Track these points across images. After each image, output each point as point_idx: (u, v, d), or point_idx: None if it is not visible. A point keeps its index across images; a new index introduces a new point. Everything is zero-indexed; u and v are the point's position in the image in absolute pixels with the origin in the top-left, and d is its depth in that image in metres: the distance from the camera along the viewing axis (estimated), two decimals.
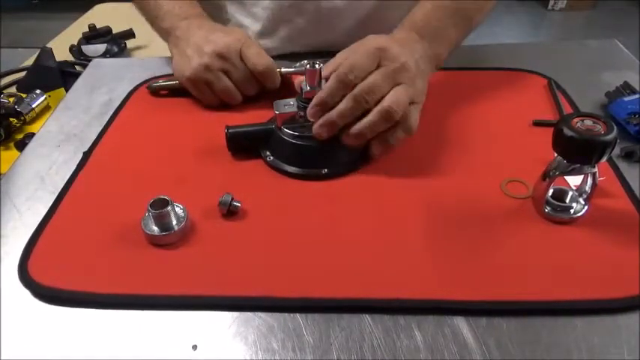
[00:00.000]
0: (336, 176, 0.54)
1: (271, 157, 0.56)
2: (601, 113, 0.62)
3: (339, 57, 0.55)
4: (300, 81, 0.56)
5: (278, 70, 0.65)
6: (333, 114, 0.52)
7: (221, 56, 0.63)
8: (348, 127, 0.52)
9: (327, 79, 0.53)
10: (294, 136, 0.54)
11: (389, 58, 0.53)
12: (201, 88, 0.65)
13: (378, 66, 0.53)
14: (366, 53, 0.53)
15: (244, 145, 0.57)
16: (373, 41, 0.54)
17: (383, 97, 0.52)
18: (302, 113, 0.54)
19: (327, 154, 0.54)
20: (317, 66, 0.52)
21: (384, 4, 0.76)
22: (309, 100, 0.53)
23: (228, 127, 0.56)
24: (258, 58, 0.63)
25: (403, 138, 0.54)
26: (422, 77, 0.56)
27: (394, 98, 0.51)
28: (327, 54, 0.56)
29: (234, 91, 0.65)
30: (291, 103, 0.55)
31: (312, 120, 0.53)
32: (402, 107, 0.51)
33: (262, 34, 0.79)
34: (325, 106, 0.52)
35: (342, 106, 0.52)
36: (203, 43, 0.63)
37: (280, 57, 0.79)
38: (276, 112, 0.55)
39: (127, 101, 0.69)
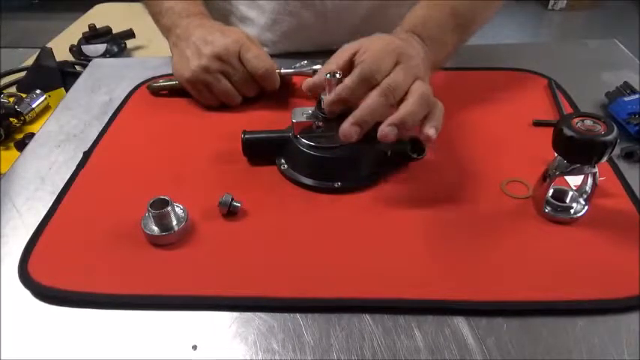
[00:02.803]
0: (349, 191, 0.52)
1: (285, 166, 0.54)
2: (601, 113, 0.62)
3: (350, 50, 0.54)
4: (311, 84, 0.54)
5: (277, 71, 0.65)
6: (363, 111, 0.49)
7: (219, 58, 0.63)
8: (374, 128, 0.50)
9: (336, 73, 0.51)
10: (310, 146, 0.52)
11: (406, 57, 0.53)
12: (200, 89, 0.65)
13: (396, 64, 0.52)
14: (386, 52, 0.52)
15: (259, 152, 0.56)
16: (388, 41, 0.54)
17: (406, 94, 0.51)
18: (320, 123, 0.53)
19: (343, 167, 0.52)
20: (337, 75, 0.50)
21: (385, 3, 0.76)
22: None
23: (244, 132, 0.55)
24: (258, 60, 0.63)
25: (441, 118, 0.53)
26: (427, 76, 0.56)
27: (422, 88, 0.51)
28: (330, 53, 0.56)
29: (233, 92, 0.65)
30: (310, 111, 0.54)
31: (331, 117, 0.51)
32: (431, 94, 0.51)
33: (267, 27, 0.79)
34: (346, 103, 0.51)
35: (370, 101, 0.49)
36: (201, 45, 0.63)
37: (282, 55, 0.79)
38: (294, 121, 0.53)
39: (127, 101, 0.69)
